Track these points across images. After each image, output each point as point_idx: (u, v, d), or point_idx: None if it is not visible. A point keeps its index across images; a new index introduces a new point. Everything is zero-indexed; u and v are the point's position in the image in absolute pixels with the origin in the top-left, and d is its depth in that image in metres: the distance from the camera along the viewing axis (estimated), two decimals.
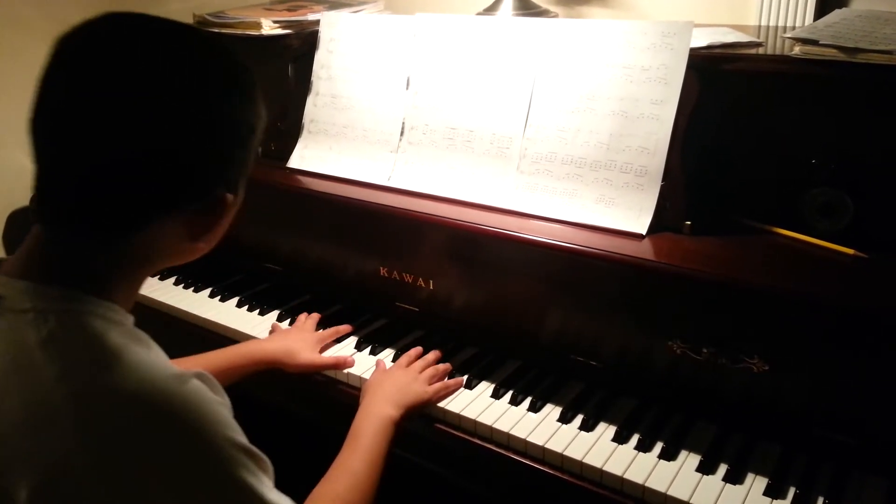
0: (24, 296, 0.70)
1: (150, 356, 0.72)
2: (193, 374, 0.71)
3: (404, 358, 1.25)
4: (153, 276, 1.61)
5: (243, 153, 0.77)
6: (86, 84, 0.69)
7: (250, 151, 0.79)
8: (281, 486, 0.78)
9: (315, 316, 1.41)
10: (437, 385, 1.19)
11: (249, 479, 0.71)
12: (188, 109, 0.71)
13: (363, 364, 1.30)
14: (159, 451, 0.67)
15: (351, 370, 1.28)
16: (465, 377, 1.24)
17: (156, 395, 0.67)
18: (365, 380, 1.25)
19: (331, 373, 1.31)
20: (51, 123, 0.70)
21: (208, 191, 0.74)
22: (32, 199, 0.74)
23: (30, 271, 0.72)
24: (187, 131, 0.71)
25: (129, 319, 0.75)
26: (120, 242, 0.73)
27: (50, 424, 0.66)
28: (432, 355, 1.26)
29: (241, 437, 0.73)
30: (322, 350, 1.33)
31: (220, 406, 0.72)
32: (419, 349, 1.28)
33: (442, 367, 1.24)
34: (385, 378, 1.19)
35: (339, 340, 1.37)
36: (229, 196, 0.76)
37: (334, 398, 1.29)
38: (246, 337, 1.41)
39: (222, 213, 0.77)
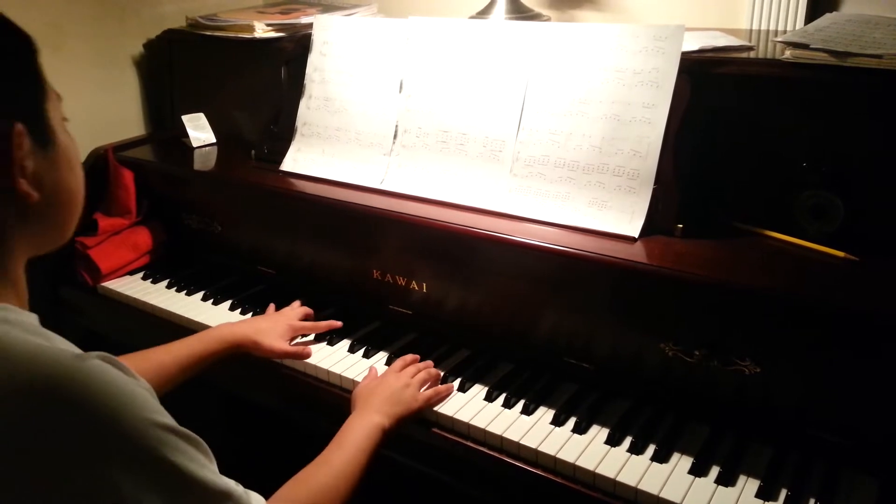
0: None
1: (47, 345, 0.68)
2: (95, 354, 0.67)
3: (399, 362, 1.25)
4: (146, 279, 1.63)
5: (6, 66, 0.70)
6: None
7: (21, 76, 0.72)
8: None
9: (304, 309, 1.42)
10: (429, 392, 1.19)
11: (177, 459, 0.67)
12: None
13: (357, 367, 1.30)
14: (68, 436, 0.63)
15: (342, 372, 1.28)
16: (459, 380, 1.24)
17: (53, 378, 0.63)
18: (353, 381, 1.25)
19: (323, 375, 1.30)
20: None
21: None
22: None
23: None
24: None
25: (26, 316, 0.72)
26: None
27: None
28: (425, 364, 1.26)
29: (165, 418, 0.69)
30: (309, 343, 1.33)
31: (133, 385, 0.68)
32: (416, 356, 1.27)
33: (434, 371, 1.24)
34: (377, 385, 1.18)
35: (331, 343, 1.37)
36: (17, 126, 0.68)
37: (321, 399, 1.29)
38: None
39: (11, 150, 0.69)
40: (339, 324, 1.39)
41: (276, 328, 1.33)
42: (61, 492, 0.63)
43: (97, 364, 0.66)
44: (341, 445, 1.03)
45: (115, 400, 0.65)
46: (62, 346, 0.70)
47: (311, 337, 1.39)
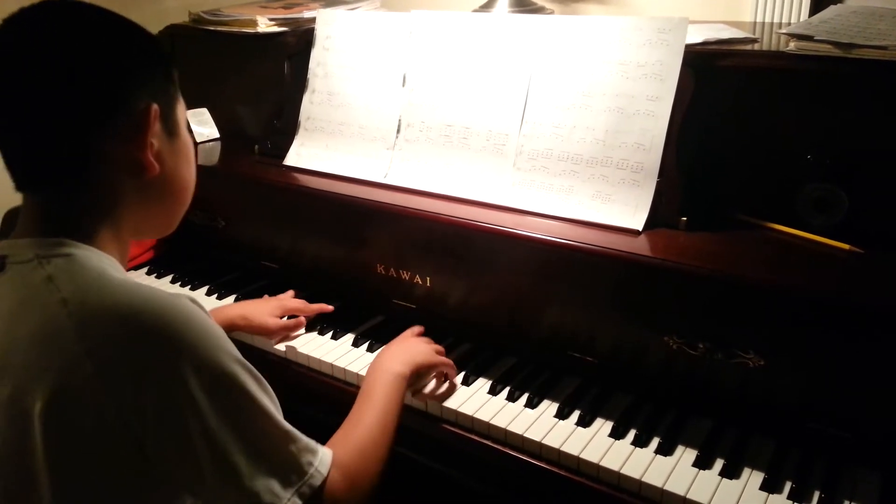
0: (25, 249, 0.78)
1: (145, 284, 0.78)
2: (186, 295, 0.77)
3: (410, 330, 1.28)
4: (150, 274, 1.63)
5: (149, 62, 0.83)
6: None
7: (164, 74, 0.85)
8: None
9: (294, 295, 1.45)
10: (445, 359, 1.21)
11: (255, 393, 0.78)
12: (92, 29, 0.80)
13: (361, 361, 1.30)
14: (157, 356, 0.72)
15: (346, 366, 1.29)
16: (462, 374, 1.24)
17: (150, 306, 0.73)
18: (357, 375, 1.26)
19: (327, 369, 1.31)
20: None
21: (125, 103, 0.79)
22: None
23: (27, 231, 0.80)
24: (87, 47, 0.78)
25: (126, 274, 0.82)
26: (80, 186, 0.80)
27: (56, 342, 0.72)
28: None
29: (241, 356, 0.78)
30: (319, 342, 1.34)
31: (214, 324, 0.78)
32: (421, 328, 1.30)
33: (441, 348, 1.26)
34: (393, 343, 1.23)
35: (336, 337, 1.37)
36: (154, 106, 0.80)
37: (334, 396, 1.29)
38: (242, 335, 1.41)
39: (147, 124, 0.80)
40: (330, 308, 1.41)
41: (266, 306, 1.38)
42: (141, 407, 0.71)
43: (190, 304, 0.76)
44: (369, 399, 1.05)
45: (204, 331, 0.75)
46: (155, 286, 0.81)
47: (316, 334, 1.39)
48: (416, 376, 1.16)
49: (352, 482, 0.88)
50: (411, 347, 1.20)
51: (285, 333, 1.37)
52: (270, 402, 0.80)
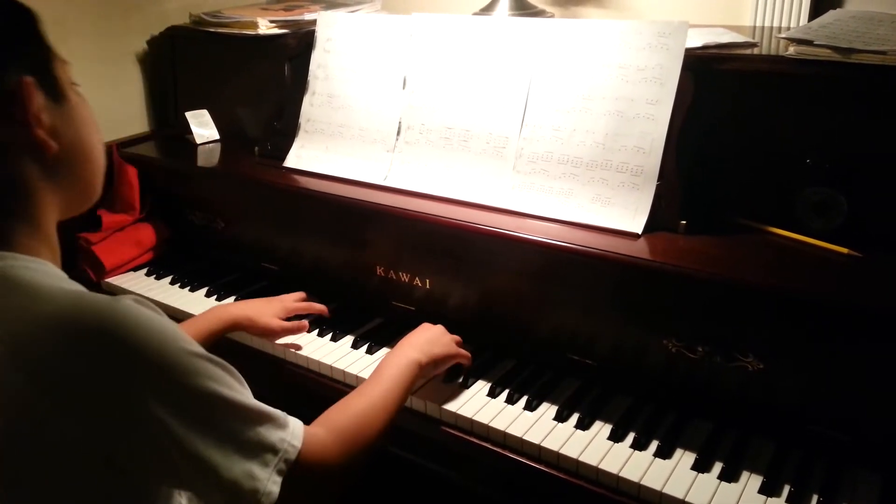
0: None
1: (81, 289, 0.72)
2: (127, 296, 0.72)
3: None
4: (150, 275, 1.63)
5: (7, 30, 0.75)
6: None
7: (26, 38, 0.76)
8: None
9: (299, 294, 1.44)
10: (463, 351, 1.22)
11: (212, 383, 0.72)
12: None
13: (360, 363, 1.30)
14: (107, 368, 0.67)
15: (346, 368, 1.28)
16: (462, 376, 1.24)
17: (87, 314, 0.68)
18: (356, 377, 1.27)
19: (326, 371, 1.31)
20: None
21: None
22: None
23: None
24: None
25: (61, 274, 0.76)
26: None
27: None
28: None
29: (196, 347, 0.73)
30: (319, 344, 1.33)
31: (164, 320, 0.72)
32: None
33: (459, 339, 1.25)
34: (414, 331, 1.22)
35: (335, 339, 1.37)
36: (26, 78, 0.73)
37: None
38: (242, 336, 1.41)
39: (25, 101, 0.73)
40: (324, 308, 1.41)
41: (270, 307, 1.37)
42: (100, 424, 0.68)
43: (130, 303, 0.71)
44: (379, 377, 1.06)
45: (150, 333, 0.70)
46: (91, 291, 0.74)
47: (315, 334, 1.39)
48: (433, 366, 1.16)
49: (343, 444, 0.89)
50: (431, 337, 1.19)
51: (288, 335, 1.37)
52: (234, 384, 0.76)
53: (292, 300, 1.42)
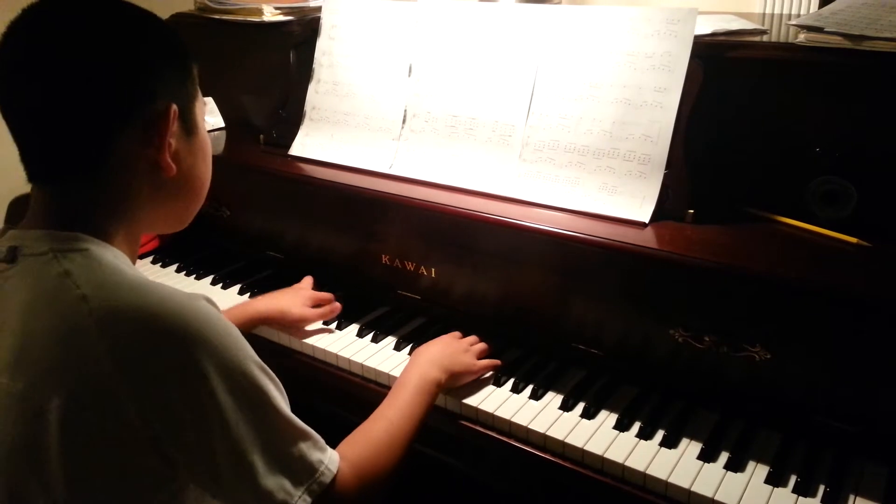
0: (39, 242, 0.77)
1: (161, 283, 0.78)
2: (201, 295, 0.78)
3: (454, 334, 1.27)
4: (155, 263, 1.63)
5: (171, 63, 0.83)
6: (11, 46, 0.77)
7: (184, 73, 0.85)
8: None
9: (311, 280, 1.46)
10: (486, 362, 1.21)
11: (270, 392, 0.78)
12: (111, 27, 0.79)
13: (365, 352, 1.30)
14: (177, 362, 0.72)
15: (351, 357, 1.29)
16: None
17: (171, 308, 0.73)
18: (361, 365, 1.26)
19: (332, 360, 1.31)
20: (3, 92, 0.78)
21: (145, 101, 0.79)
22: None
23: (39, 223, 0.79)
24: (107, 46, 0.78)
25: (138, 271, 0.81)
26: (97, 182, 0.79)
27: (77, 341, 0.71)
28: (475, 338, 1.27)
29: (257, 358, 0.79)
30: (325, 333, 1.35)
31: (232, 326, 0.78)
32: (459, 334, 1.28)
33: (486, 346, 1.25)
34: (434, 344, 1.22)
35: (340, 328, 1.37)
36: (173, 106, 0.81)
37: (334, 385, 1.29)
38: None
39: (166, 125, 0.80)
40: (332, 297, 1.42)
41: (298, 297, 1.38)
42: (163, 414, 0.72)
43: (206, 304, 0.77)
44: (395, 399, 1.06)
45: (222, 336, 0.75)
46: (170, 286, 0.79)
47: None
48: (452, 382, 1.16)
49: (361, 478, 0.89)
50: (454, 356, 1.18)
51: (322, 320, 1.38)
52: (284, 402, 0.81)
53: (309, 287, 1.43)
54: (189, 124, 0.85)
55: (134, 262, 0.84)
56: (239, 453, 0.75)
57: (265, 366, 0.80)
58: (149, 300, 0.73)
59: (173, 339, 0.72)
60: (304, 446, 0.81)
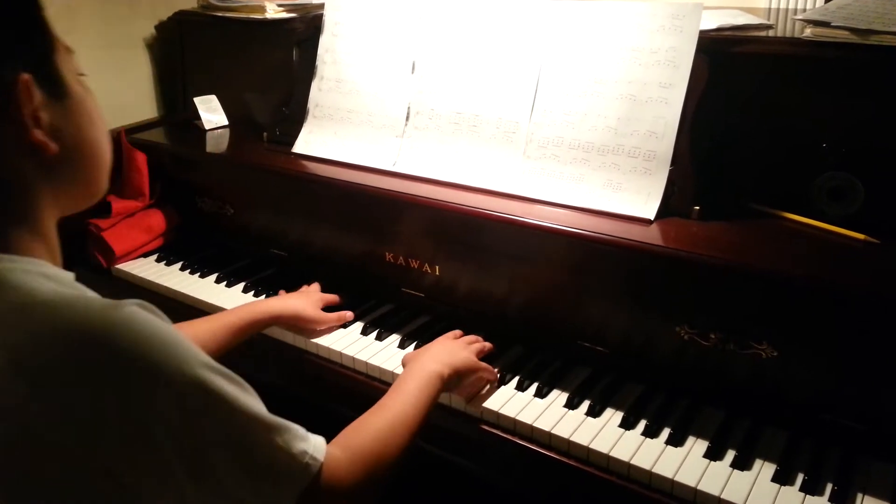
0: None
1: (83, 294, 0.69)
2: (132, 302, 0.67)
3: (451, 333, 1.26)
4: (160, 261, 1.63)
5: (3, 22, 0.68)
6: None
7: (24, 27, 0.70)
8: None
9: (318, 286, 1.45)
10: (485, 365, 1.19)
11: (224, 395, 0.68)
12: None
13: (369, 350, 1.30)
14: (109, 383, 0.63)
15: (356, 354, 1.28)
16: None
17: (86, 323, 0.64)
18: (366, 363, 1.26)
19: (336, 357, 1.31)
20: None
21: None
22: None
23: None
24: None
25: (63, 273, 0.72)
26: None
27: None
28: (474, 337, 1.26)
29: (207, 359, 0.69)
30: (328, 331, 1.35)
31: (172, 330, 0.68)
32: (460, 332, 1.27)
33: (487, 345, 1.24)
34: (433, 343, 1.20)
35: (344, 325, 1.37)
36: (23, 76, 0.67)
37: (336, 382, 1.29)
38: None
39: (21, 100, 0.67)
40: (336, 298, 1.42)
41: (311, 299, 1.37)
42: (100, 435, 0.63)
43: (135, 310, 0.66)
44: (399, 391, 1.03)
45: (155, 344, 0.65)
46: (93, 295, 0.70)
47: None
48: (457, 378, 1.13)
49: (359, 465, 0.85)
50: (452, 351, 1.16)
51: (335, 324, 1.36)
52: (248, 398, 0.72)
53: (318, 290, 1.43)
54: (55, 87, 0.70)
55: (56, 257, 0.74)
56: (202, 466, 0.67)
57: (217, 365, 0.70)
58: (68, 320, 0.64)
59: (103, 360, 0.63)
60: (281, 440, 0.73)
